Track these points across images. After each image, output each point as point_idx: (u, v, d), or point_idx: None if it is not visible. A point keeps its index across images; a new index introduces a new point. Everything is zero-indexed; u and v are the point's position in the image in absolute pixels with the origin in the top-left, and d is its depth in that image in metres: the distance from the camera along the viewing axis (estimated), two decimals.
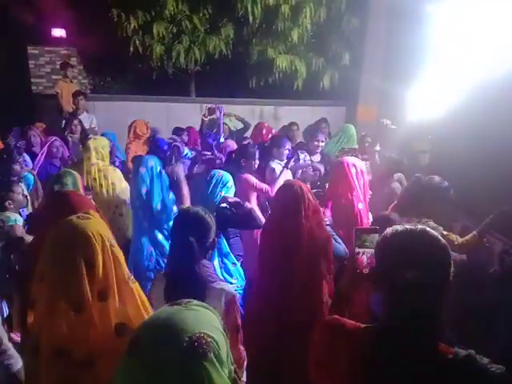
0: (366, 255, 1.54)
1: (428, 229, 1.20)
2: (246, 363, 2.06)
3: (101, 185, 4.00)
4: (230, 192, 3.21)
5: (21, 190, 3.26)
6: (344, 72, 7.38)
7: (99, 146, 4.07)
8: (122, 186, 4.07)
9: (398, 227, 1.23)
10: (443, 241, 1.19)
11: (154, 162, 3.68)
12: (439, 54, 5.67)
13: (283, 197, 2.34)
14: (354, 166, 3.19)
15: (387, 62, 6.92)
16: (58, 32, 8.43)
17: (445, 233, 2.62)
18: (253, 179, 3.74)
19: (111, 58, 8.54)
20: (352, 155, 4.09)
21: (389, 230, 1.23)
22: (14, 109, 8.07)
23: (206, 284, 1.87)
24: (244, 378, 2.05)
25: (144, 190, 3.58)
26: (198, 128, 6.52)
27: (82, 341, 1.31)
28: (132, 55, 7.42)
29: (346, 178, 3.14)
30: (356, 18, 7.12)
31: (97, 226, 1.37)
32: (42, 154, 5.02)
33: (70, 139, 5.79)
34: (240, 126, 6.35)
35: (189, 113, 7.33)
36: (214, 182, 3.16)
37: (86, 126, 6.33)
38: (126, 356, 0.84)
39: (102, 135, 5.28)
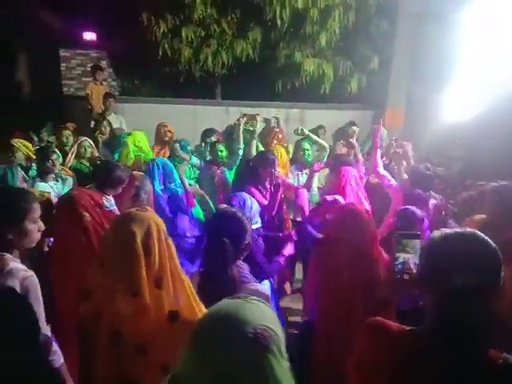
0: (409, 260, 1.50)
1: (477, 232, 1.17)
2: None
3: None
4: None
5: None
6: (372, 76, 7.31)
7: (136, 140, 4.14)
8: None
9: (447, 230, 1.20)
10: (493, 244, 1.16)
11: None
12: (469, 58, 5.57)
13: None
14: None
15: (416, 65, 6.83)
16: (89, 35, 8.64)
17: None
18: (257, 195, 3.55)
19: (140, 61, 8.69)
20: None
21: (436, 234, 1.21)
22: (46, 109, 8.31)
23: (238, 285, 1.87)
24: None
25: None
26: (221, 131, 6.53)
27: (137, 326, 1.36)
28: (161, 58, 7.52)
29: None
30: (385, 22, 7.04)
31: (154, 217, 1.46)
32: (71, 154, 5.12)
33: (100, 140, 5.91)
34: (263, 126, 6.33)
35: (215, 116, 7.37)
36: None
37: (115, 126, 6.45)
38: (191, 347, 0.86)
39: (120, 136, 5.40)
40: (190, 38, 7.26)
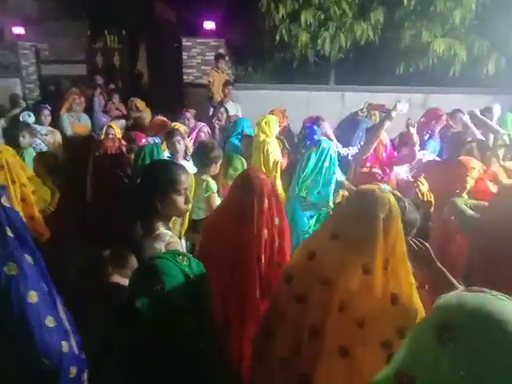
0: None
1: None
2: None
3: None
4: None
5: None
6: None
7: (262, 121, 4.16)
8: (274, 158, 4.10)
9: None
10: None
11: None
12: None
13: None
14: None
15: None
16: (209, 25, 8.90)
17: None
18: None
19: (253, 49, 8.77)
20: None
21: None
22: (168, 96, 8.84)
23: None
24: None
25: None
26: (336, 117, 6.22)
27: (361, 301, 1.41)
28: (277, 45, 7.48)
29: None
30: None
31: (393, 199, 1.47)
32: (191, 139, 5.34)
33: (217, 126, 6.10)
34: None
35: (329, 101, 7.14)
36: None
37: (232, 114, 6.59)
38: (435, 341, 0.78)
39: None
40: (308, 22, 7.08)
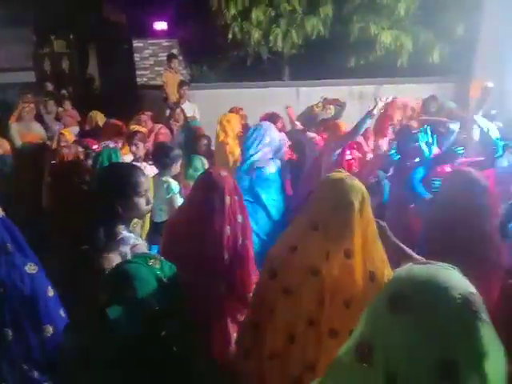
0: None
1: None
2: None
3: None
4: None
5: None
6: (457, 45, 6.72)
7: (224, 119, 4.14)
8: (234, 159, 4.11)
9: None
10: None
11: None
12: None
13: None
14: None
15: (507, 33, 6.19)
16: (160, 25, 8.78)
17: None
18: None
19: (207, 47, 8.71)
20: None
21: None
22: (122, 100, 8.63)
23: None
24: None
25: None
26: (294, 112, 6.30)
27: (347, 284, 1.51)
28: (230, 42, 7.47)
29: None
30: None
31: (362, 186, 1.56)
32: (149, 142, 5.24)
33: (175, 127, 6.02)
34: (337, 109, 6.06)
35: (284, 97, 7.21)
36: None
37: (189, 114, 6.53)
38: (389, 312, 0.84)
39: None
40: (259, 19, 7.11)
